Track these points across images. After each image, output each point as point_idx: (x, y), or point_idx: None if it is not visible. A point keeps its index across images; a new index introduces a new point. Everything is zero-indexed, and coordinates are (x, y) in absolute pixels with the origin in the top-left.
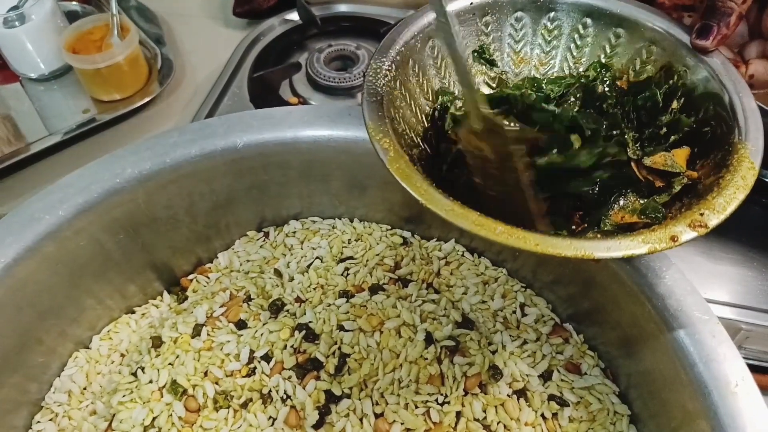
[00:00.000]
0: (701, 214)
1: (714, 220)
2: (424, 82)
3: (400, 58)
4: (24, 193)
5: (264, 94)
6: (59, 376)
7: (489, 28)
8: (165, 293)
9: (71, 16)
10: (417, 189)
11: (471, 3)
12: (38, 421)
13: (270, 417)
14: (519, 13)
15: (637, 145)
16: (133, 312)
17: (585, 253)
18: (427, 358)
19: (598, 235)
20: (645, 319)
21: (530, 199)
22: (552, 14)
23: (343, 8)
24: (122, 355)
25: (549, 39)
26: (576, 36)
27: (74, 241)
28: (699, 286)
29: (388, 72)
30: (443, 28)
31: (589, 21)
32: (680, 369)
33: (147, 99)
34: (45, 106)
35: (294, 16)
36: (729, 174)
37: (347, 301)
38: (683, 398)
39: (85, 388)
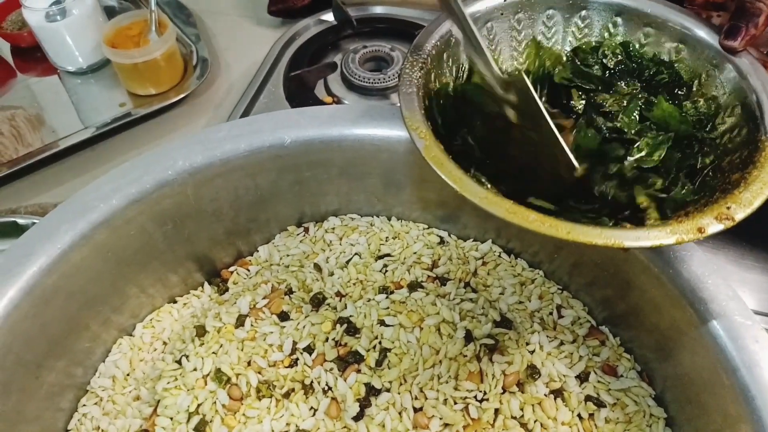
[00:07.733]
0: (728, 208)
1: (740, 214)
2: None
3: (435, 52)
4: (59, 185)
5: (300, 93)
6: (104, 362)
7: (521, 25)
8: (206, 284)
9: (108, 12)
10: (452, 177)
11: (504, 0)
12: (84, 404)
13: (311, 407)
14: (551, 11)
15: None
16: (175, 302)
17: (615, 242)
18: (466, 356)
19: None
20: (686, 323)
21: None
22: (583, 12)
23: (378, 10)
24: (164, 343)
25: (579, 37)
26: (606, 34)
27: (125, 230)
28: None
29: (423, 65)
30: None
31: (619, 20)
32: (722, 373)
33: (182, 95)
34: (81, 99)
35: (329, 16)
36: (756, 170)
37: (387, 297)
38: (724, 402)
39: (128, 374)
